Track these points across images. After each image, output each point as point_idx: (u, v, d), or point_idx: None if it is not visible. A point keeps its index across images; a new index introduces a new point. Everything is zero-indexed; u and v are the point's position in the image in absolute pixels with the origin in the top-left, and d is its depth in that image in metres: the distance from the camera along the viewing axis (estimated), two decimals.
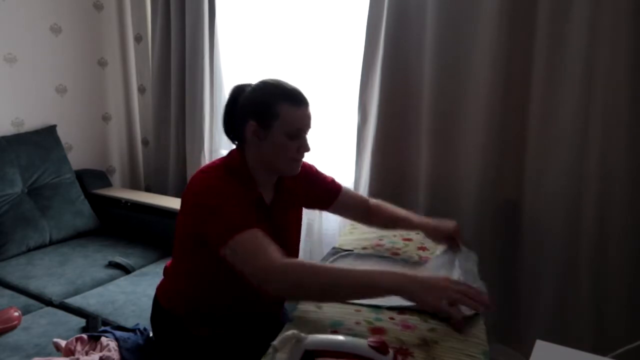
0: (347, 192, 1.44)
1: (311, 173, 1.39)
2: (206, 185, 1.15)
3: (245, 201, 1.13)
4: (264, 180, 1.24)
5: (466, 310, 0.99)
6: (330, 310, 1.09)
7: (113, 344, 1.40)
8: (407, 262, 1.34)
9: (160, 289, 1.37)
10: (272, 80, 1.22)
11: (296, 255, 1.37)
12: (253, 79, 1.28)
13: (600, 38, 1.57)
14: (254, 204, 1.18)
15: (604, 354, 0.85)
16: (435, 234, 1.35)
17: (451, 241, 1.33)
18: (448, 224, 1.33)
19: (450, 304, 0.96)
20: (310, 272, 1.02)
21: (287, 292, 1.07)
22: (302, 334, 0.79)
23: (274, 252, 1.05)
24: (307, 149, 1.21)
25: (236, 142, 1.25)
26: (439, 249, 1.37)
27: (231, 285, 1.15)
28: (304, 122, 1.19)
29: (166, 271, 1.37)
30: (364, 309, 1.09)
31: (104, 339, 1.42)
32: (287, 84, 1.21)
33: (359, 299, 1.09)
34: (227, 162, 1.22)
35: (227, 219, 1.08)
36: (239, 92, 1.23)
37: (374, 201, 1.48)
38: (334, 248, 1.44)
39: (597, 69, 1.59)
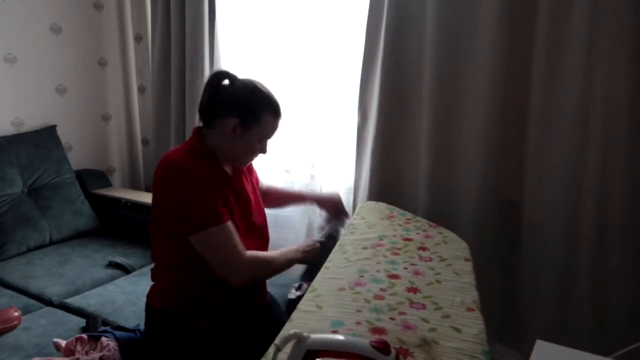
0: (261, 183, 1.62)
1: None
2: (179, 173, 1.20)
3: (217, 189, 1.23)
4: (225, 163, 1.33)
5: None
6: (331, 310, 1.09)
7: (113, 344, 1.40)
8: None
9: (151, 294, 1.39)
10: (260, 85, 1.30)
11: (267, 233, 1.47)
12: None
13: (600, 38, 1.57)
14: (225, 187, 1.28)
15: (604, 354, 0.85)
16: (327, 205, 1.63)
17: (338, 210, 1.63)
18: (334, 195, 1.66)
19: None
20: (263, 264, 1.29)
21: (246, 283, 1.25)
22: (304, 334, 0.79)
23: (238, 248, 1.21)
24: (265, 152, 1.36)
25: (202, 124, 1.32)
26: (323, 216, 1.65)
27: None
28: (275, 132, 1.34)
29: (153, 275, 1.39)
30: (365, 309, 1.10)
31: (104, 339, 1.42)
32: (271, 92, 1.31)
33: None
34: (192, 148, 1.28)
35: (202, 210, 1.18)
36: (220, 79, 1.29)
37: (265, 185, 1.64)
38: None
39: (597, 69, 1.59)
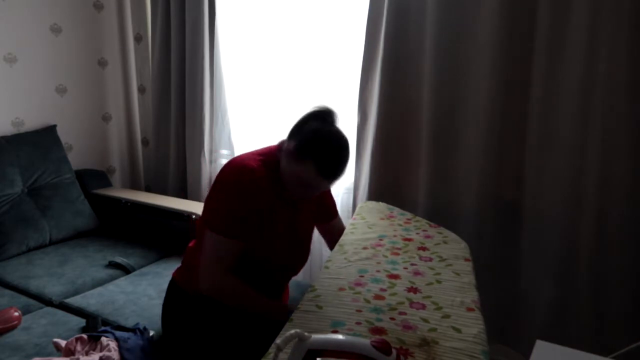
0: (339, 220, 1.60)
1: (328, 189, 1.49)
2: (238, 177, 1.25)
3: (252, 201, 1.23)
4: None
5: None
6: (331, 310, 1.09)
7: (113, 344, 1.40)
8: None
9: (179, 272, 1.44)
10: (330, 132, 1.26)
11: (307, 255, 1.48)
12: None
13: (600, 38, 1.57)
14: (280, 198, 1.29)
15: (604, 354, 0.85)
16: None
17: None
18: None
19: None
20: (229, 294, 1.26)
21: (209, 294, 1.27)
22: (305, 333, 0.79)
23: (220, 265, 1.24)
24: (311, 197, 1.33)
25: (284, 142, 1.30)
26: None
27: (253, 265, 1.29)
28: (320, 188, 1.30)
29: (186, 252, 1.44)
30: (365, 309, 1.10)
31: (104, 339, 1.42)
32: (335, 148, 1.25)
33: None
34: (268, 155, 1.31)
35: (225, 218, 1.23)
36: (319, 117, 1.28)
37: (339, 226, 1.62)
38: None
39: (597, 70, 1.59)
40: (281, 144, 1.31)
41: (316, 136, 1.23)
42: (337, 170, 1.25)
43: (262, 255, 1.31)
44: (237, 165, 1.27)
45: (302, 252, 1.45)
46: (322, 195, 1.49)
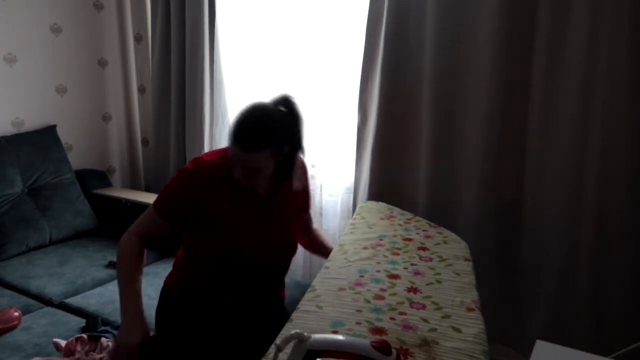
0: (309, 213, 1.60)
1: (306, 177, 1.49)
2: (190, 168, 1.31)
3: (191, 199, 1.28)
4: None
5: None
6: (331, 310, 1.09)
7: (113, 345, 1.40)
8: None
9: (169, 278, 1.44)
10: (252, 106, 1.25)
11: (293, 247, 1.46)
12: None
13: (600, 38, 1.57)
14: (239, 195, 1.30)
15: (604, 354, 0.85)
16: None
17: None
18: None
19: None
20: (120, 258, 1.31)
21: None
22: (305, 334, 0.79)
23: (134, 229, 1.32)
24: (251, 181, 1.28)
25: None
26: None
27: (222, 261, 1.30)
28: (241, 162, 1.24)
29: (176, 258, 1.44)
30: (365, 309, 1.10)
31: (103, 340, 1.42)
32: (244, 120, 1.23)
33: None
34: (225, 151, 1.33)
35: (165, 198, 1.31)
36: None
37: (316, 226, 1.65)
38: None
39: (597, 70, 1.59)
40: None
41: (241, 110, 1.26)
42: (244, 134, 1.20)
43: (231, 249, 1.30)
44: (194, 158, 1.34)
45: (282, 247, 1.41)
46: (304, 188, 1.49)
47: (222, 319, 1.33)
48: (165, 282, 1.45)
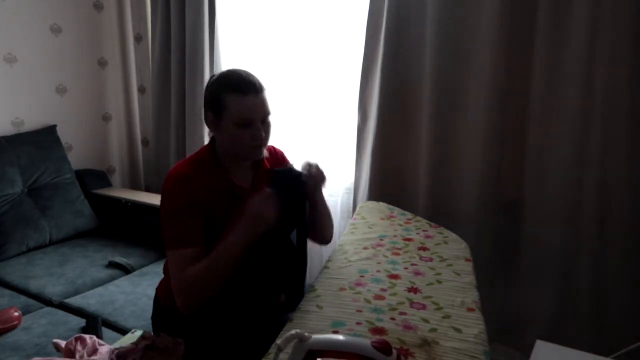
0: None
1: (285, 159, 1.45)
2: (169, 184, 1.21)
3: (198, 210, 1.18)
4: (236, 166, 1.29)
5: None
6: (331, 310, 1.09)
7: (105, 348, 1.38)
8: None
9: (160, 288, 1.39)
10: (226, 70, 1.25)
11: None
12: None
13: (600, 38, 1.57)
14: (223, 194, 1.24)
15: (604, 354, 0.85)
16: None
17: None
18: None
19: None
20: (198, 279, 1.14)
21: (195, 304, 1.16)
22: (306, 334, 0.79)
23: (180, 276, 1.15)
24: (260, 137, 1.22)
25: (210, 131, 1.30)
26: None
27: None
28: (254, 111, 1.20)
29: (165, 270, 1.39)
30: (366, 309, 1.10)
31: (96, 342, 1.40)
32: (238, 73, 1.23)
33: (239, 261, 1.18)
34: (197, 155, 1.28)
35: (171, 230, 1.19)
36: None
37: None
38: None
39: (597, 69, 1.59)
40: (212, 138, 1.30)
41: (214, 81, 1.24)
42: (250, 81, 1.20)
43: None
44: (167, 177, 1.24)
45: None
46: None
47: (220, 331, 1.29)
48: (157, 293, 1.40)
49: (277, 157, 1.43)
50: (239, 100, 1.18)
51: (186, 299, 1.15)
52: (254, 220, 1.13)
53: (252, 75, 1.23)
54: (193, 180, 1.21)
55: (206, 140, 2.45)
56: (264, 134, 1.23)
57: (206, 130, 2.48)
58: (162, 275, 1.40)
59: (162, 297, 1.37)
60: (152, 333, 1.31)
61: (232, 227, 1.15)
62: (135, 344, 1.25)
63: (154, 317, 1.41)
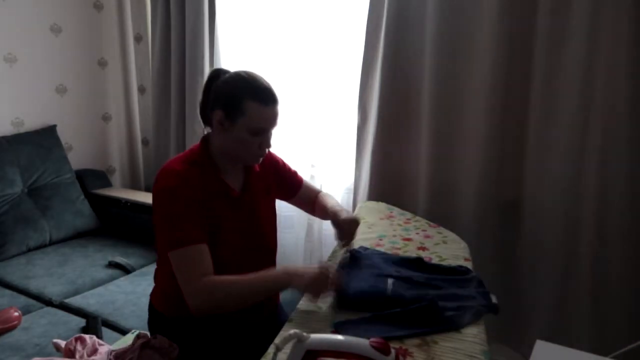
0: (306, 185, 1.51)
1: (279, 163, 1.44)
2: (166, 184, 1.18)
3: (195, 204, 1.16)
4: (229, 168, 1.27)
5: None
6: (331, 310, 1.09)
7: (104, 348, 1.39)
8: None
9: (154, 294, 1.38)
10: (245, 73, 1.23)
11: (273, 243, 1.40)
12: (267, 74, 1.27)
13: (601, 38, 1.57)
14: (217, 196, 1.22)
15: (604, 354, 0.85)
16: (336, 225, 1.38)
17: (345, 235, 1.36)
18: (348, 216, 1.38)
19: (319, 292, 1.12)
20: (221, 289, 1.12)
21: (203, 311, 1.13)
22: (304, 333, 0.79)
23: (201, 272, 1.12)
24: (268, 146, 1.24)
25: (206, 127, 1.28)
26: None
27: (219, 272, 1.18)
28: (270, 122, 1.22)
29: (156, 275, 1.38)
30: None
31: (96, 342, 1.40)
32: (260, 79, 1.21)
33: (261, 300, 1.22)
34: (191, 154, 1.26)
35: (175, 230, 1.14)
36: (216, 76, 1.25)
37: (322, 193, 1.54)
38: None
39: (597, 69, 1.59)
40: (204, 137, 1.28)
41: (234, 83, 1.20)
42: (271, 92, 1.20)
43: (224, 256, 1.21)
44: (159, 177, 1.21)
45: (262, 243, 1.33)
46: (279, 173, 1.43)
47: (218, 336, 1.27)
48: (151, 300, 1.39)
49: (275, 161, 1.43)
50: (259, 109, 1.18)
51: (203, 303, 1.12)
52: (304, 281, 1.12)
53: (271, 85, 1.22)
54: (191, 180, 1.19)
55: None
56: (266, 147, 1.24)
57: (206, 129, 2.50)
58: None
59: (157, 304, 1.35)
60: (147, 334, 1.30)
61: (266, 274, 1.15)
62: (132, 344, 1.25)
63: (150, 324, 1.40)
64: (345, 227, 1.35)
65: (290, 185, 1.47)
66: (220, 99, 1.20)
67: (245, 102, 1.17)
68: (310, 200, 1.50)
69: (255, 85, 1.19)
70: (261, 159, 1.28)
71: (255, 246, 1.30)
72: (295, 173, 1.49)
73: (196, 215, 1.16)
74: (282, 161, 1.46)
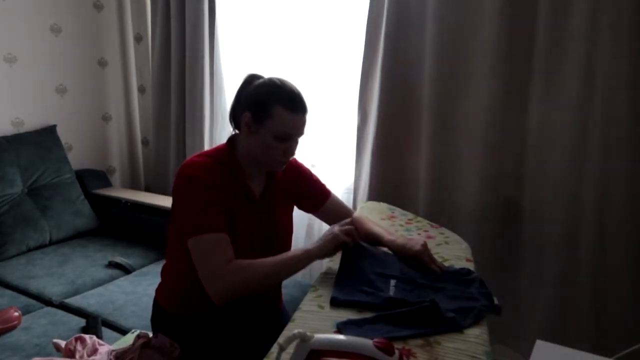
0: (334, 200, 1.47)
1: (304, 173, 1.43)
2: (191, 173, 1.20)
3: (221, 199, 1.18)
4: (252, 171, 1.29)
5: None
6: (333, 310, 1.09)
7: (105, 348, 1.38)
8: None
9: (159, 291, 1.38)
10: (278, 79, 1.25)
11: (286, 251, 1.36)
12: (266, 74, 1.28)
13: (600, 38, 1.58)
14: (238, 197, 1.24)
15: (604, 355, 0.85)
16: (402, 254, 1.30)
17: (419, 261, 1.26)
18: (414, 244, 1.28)
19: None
20: (245, 270, 1.13)
21: (228, 296, 1.13)
22: (308, 333, 0.79)
23: (227, 257, 1.13)
24: (292, 154, 1.26)
25: (235, 130, 1.30)
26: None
27: None
28: (295, 129, 1.23)
29: (163, 272, 1.38)
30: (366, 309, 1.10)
31: (96, 342, 1.40)
32: (291, 87, 1.23)
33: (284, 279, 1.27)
34: (216, 152, 1.27)
35: (198, 216, 1.16)
36: (250, 81, 1.27)
37: (357, 215, 1.49)
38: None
39: (597, 69, 1.60)
40: (230, 138, 1.30)
41: (265, 88, 1.22)
42: (301, 100, 1.22)
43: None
44: (184, 168, 1.22)
45: (274, 249, 1.28)
46: (302, 183, 1.41)
47: (221, 334, 1.28)
48: (156, 295, 1.38)
49: (301, 171, 1.42)
50: (286, 115, 1.19)
51: (231, 285, 1.11)
52: (325, 243, 1.19)
53: (302, 94, 1.24)
54: (216, 175, 1.21)
55: (207, 140, 2.50)
56: (290, 154, 1.26)
57: (207, 129, 2.51)
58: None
59: (162, 300, 1.36)
60: (148, 333, 1.31)
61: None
62: (132, 343, 1.25)
63: (153, 320, 1.40)
64: (425, 259, 1.25)
65: (315, 197, 1.44)
66: (250, 102, 1.22)
67: (274, 106, 1.19)
68: (338, 218, 1.38)
69: (285, 91, 1.21)
70: (284, 166, 1.29)
71: (267, 252, 1.28)
72: (322, 186, 1.46)
73: (219, 206, 1.18)
74: (309, 172, 1.44)
